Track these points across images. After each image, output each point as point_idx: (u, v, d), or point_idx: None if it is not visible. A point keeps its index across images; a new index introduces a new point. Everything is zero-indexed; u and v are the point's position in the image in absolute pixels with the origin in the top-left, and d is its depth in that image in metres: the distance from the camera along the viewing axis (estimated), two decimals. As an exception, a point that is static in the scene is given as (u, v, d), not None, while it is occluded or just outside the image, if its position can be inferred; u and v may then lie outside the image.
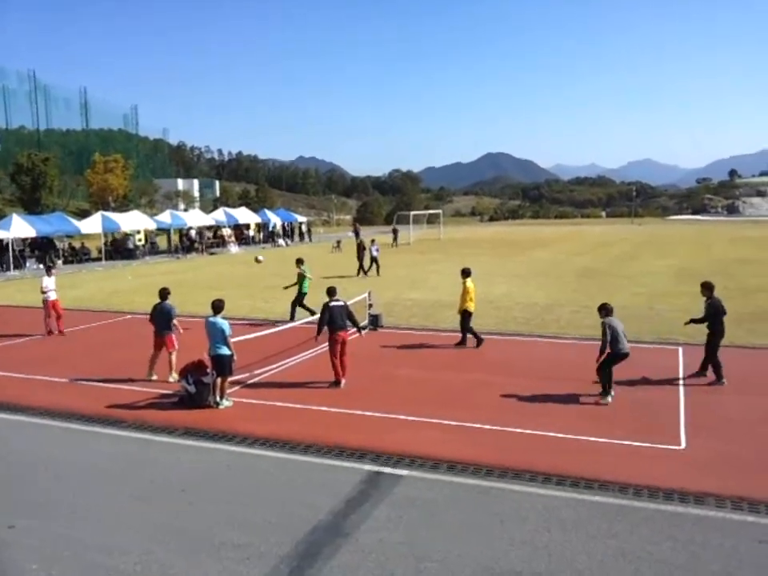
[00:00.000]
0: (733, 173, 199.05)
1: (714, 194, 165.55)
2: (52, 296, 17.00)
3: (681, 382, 11.59)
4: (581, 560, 5.89)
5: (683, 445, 8.64)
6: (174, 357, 12.13)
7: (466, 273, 15.07)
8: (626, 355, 10.36)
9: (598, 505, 7.00)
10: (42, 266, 37.91)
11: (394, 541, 6.29)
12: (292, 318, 17.08)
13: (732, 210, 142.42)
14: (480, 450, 8.55)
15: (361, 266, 29.38)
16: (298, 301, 17.88)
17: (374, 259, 29.57)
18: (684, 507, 6.90)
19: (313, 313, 16.20)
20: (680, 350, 13.95)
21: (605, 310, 10.53)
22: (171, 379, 11.88)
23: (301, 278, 18.07)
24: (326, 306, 11.58)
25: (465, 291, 14.68)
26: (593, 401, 10.45)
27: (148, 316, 12.66)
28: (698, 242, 49.75)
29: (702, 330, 12.06)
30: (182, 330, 12.38)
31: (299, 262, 18.43)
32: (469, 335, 14.68)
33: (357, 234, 57.06)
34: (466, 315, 14.64)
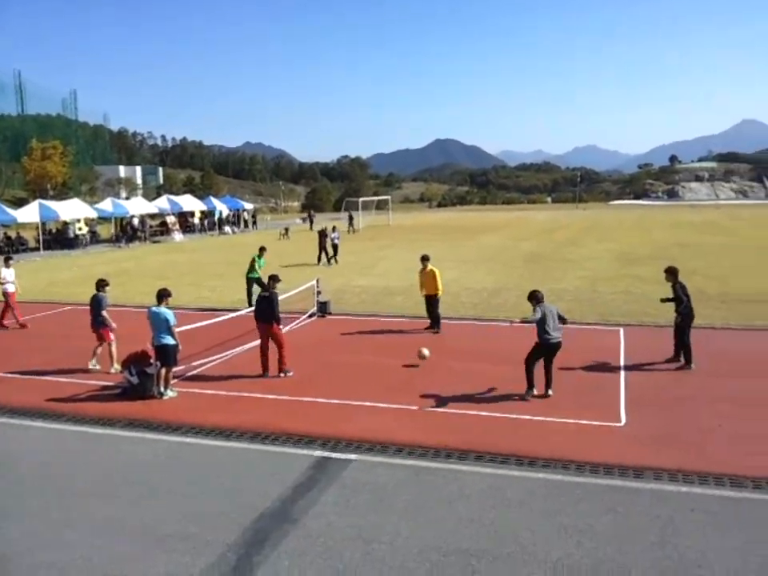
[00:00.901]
0: (673, 158, 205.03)
1: (655, 179, 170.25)
2: (10, 288, 16.41)
3: (622, 361, 11.93)
4: (525, 536, 6.03)
5: (623, 421, 8.91)
6: (113, 348, 11.84)
7: (427, 258, 15.05)
8: (553, 345, 9.78)
9: (542, 482, 7.17)
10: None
11: (343, 524, 6.32)
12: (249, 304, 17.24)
13: (672, 195, 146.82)
14: (428, 432, 8.64)
15: (324, 254, 28.84)
16: (248, 286, 18.17)
17: (334, 247, 29.19)
18: (623, 481, 7.14)
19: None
20: (621, 330, 14.35)
21: (534, 298, 10.02)
22: (113, 370, 11.62)
23: (252, 263, 18.36)
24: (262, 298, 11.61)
25: (433, 277, 14.74)
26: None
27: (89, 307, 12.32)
28: (639, 227, 51.16)
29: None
30: (113, 325, 12.00)
31: (262, 250, 18.81)
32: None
33: (311, 221, 56.61)
34: (436, 300, 14.76)
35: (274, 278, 11.78)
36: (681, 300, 11.31)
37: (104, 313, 11.89)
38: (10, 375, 11.85)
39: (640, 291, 19.18)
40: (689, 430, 8.55)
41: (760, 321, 14.99)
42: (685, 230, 45.83)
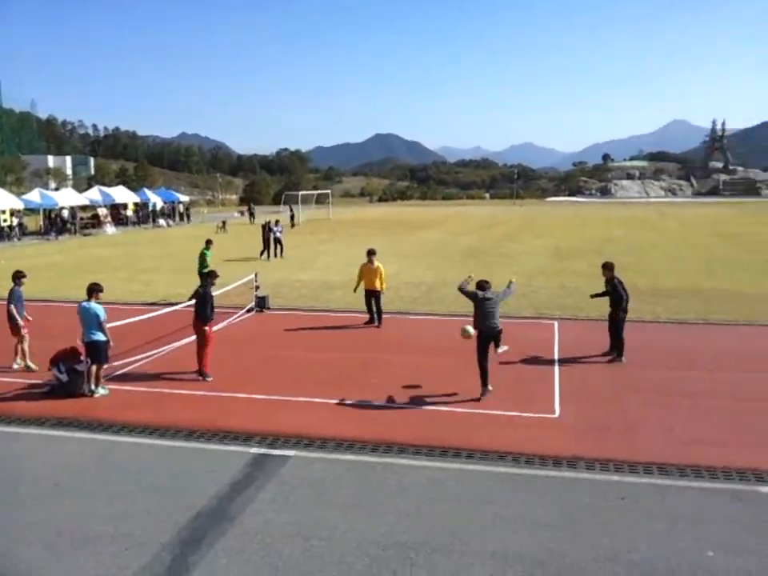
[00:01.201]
0: (606, 157, 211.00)
1: (589, 176, 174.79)
2: None
3: (556, 354, 12.22)
4: (462, 528, 6.11)
5: (557, 413, 9.14)
6: (24, 345, 11.39)
7: (374, 252, 14.95)
8: (490, 331, 9.65)
9: (479, 474, 7.28)
10: None
11: (281, 521, 6.26)
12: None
13: (605, 192, 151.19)
14: (366, 426, 8.65)
15: (266, 248, 28.27)
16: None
17: (277, 240, 28.64)
18: (558, 471, 7.31)
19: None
20: (555, 324, 14.70)
21: (481, 287, 9.91)
22: (15, 366, 11.34)
23: (201, 257, 18.06)
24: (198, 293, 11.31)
25: (381, 272, 14.69)
26: (474, 374, 10.81)
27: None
28: (573, 223, 52.52)
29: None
30: (21, 321, 11.45)
31: (209, 242, 18.48)
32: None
33: (252, 214, 55.67)
34: (380, 295, 14.73)
35: (210, 275, 11.47)
36: (621, 296, 11.62)
37: (12, 307, 11.37)
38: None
39: (574, 285, 19.69)
40: (620, 421, 8.83)
41: (687, 315, 15.61)
42: (617, 226, 47.30)
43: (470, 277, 10.63)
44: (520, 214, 70.31)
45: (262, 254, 28.18)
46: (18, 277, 11.70)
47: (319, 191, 76.51)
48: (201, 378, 10.77)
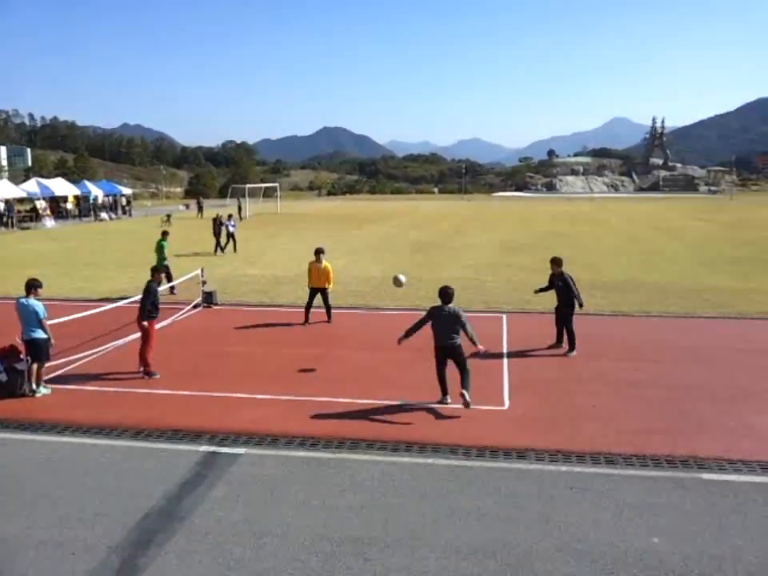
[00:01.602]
0: (551, 153, 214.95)
1: (535, 172, 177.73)
2: None
3: (504, 347, 12.41)
4: (416, 520, 6.15)
5: (506, 405, 9.28)
6: None
7: (322, 251, 14.74)
8: (445, 348, 9.20)
9: (431, 467, 7.34)
10: None
11: (232, 520, 6.18)
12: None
13: (550, 188, 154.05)
14: (318, 423, 8.61)
15: (218, 243, 27.63)
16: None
17: (230, 235, 28.04)
18: (508, 463, 7.43)
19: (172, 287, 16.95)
20: (504, 317, 14.92)
21: (441, 295, 9.41)
22: None
23: (158, 248, 18.05)
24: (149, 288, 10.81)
25: (329, 271, 14.52)
26: (426, 368, 10.89)
27: None
28: (520, 217, 53.40)
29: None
30: None
31: (165, 234, 18.54)
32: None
33: (200, 208, 54.56)
34: (326, 291, 14.59)
35: (156, 271, 11.20)
36: (574, 292, 11.86)
37: None
38: None
39: (520, 279, 20.03)
40: (567, 412, 9.02)
41: (627, 307, 16.06)
42: (562, 221, 48.32)
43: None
44: (468, 208, 71.12)
45: (216, 249, 27.55)
46: None
47: (267, 184, 75.77)
48: (146, 377, 10.51)
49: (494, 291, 18.32)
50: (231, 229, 28.23)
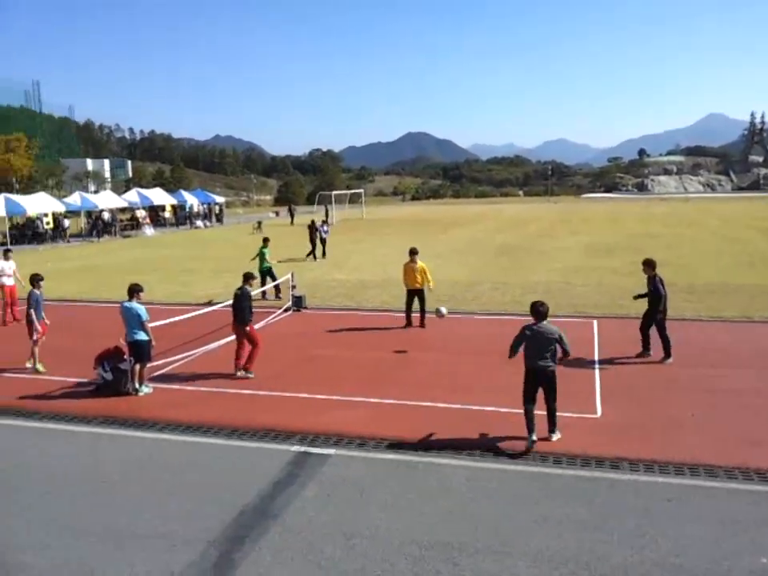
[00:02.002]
0: (642, 152, 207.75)
1: (625, 172, 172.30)
2: (8, 281, 16.09)
3: (596, 353, 12.06)
4: (505, 528, 6.08)
5: (599, 413, 9.02)
6: (34, 347, 11.58)
7: (416, 252, 14.68)
8: (538, 373, 7.95)
9: (521, 473, 7.23)
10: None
11: (323, 520, 6.30)
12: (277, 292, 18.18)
13: (641, 188, 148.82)
14: (405, 426, 8.65)
15: (313, 249, 27.71)
16: (262, 279, 18.43)
17: (322, 241, 28.21)
18: (601, 472, 7.22)
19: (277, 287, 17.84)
20: (594, 322, 14.51)
21: (534, 313, 8.19)
22: (28, 365, 11.61)
23: (260, 255, 18.74)
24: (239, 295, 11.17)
25: (425, 270, 14.44)
26: (512, 373, 10.74)
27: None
28: (609, 219, 51.79)
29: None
30: (39, 325, 11.62)
31: (266, 240, 19.11)
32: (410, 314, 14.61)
33: (292, 215, 55.77)
34: (422, 293, 14.47)
35: (248, 277, 11.55)
36: (660, 295, 11.34)
37: (31, 311, 11.57)
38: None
39: (611, 282, 19.43)
40: (663, 421, 8.67)
41: (727, 312, 15.28)
42: (654, 222, 46.52)
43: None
44: (555, 210, 69.62)
45: (308, 254, 27.70)
46: (36, 280, 11.89)
47: (352, 191, 76.83)
48: (243, 372, 10.92)
49: (584, 295, 17.84)
50: (324, 235, 28.31)
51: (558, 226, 45.01)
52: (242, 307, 10.96)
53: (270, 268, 18.69)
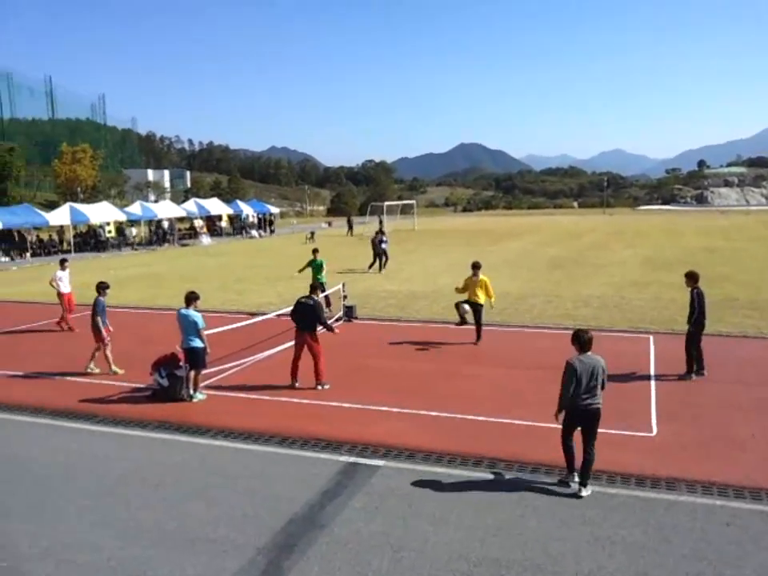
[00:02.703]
0: (701, 163, 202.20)
1: (684, 184, 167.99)
2: (65, 289, 16.68)
3: (652, 369, 11.76)
4: (555, 546, 5.97)
5: (654, 431, 8.78)
6: (107, 351, 12.01)
7: (479, 266, 14.45)
8: (583, 412, 7.13)
9: (572, 492, 7.08)
10: (8, 258, 37.21)
11: (371, 531, 6.31)
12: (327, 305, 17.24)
13: (701, 200, 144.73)
14: (455, 439, 8.59)
15: (379, 260, 27.20)
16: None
17: (382, 253, 27.43)
18: (656, 493, 7.02)
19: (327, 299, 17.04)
20: (651, 338, 14.16)
21: (578, 342, 7.32)
22: (88, 369, 12.02)
23: (312, 266, 18.12)
24: (296, 302, 11.29)
25: (488, 284, 14.23)
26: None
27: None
28: (667, 232, 50.48)
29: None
30: (104, 331, 12.02)
31: (315, 252, 18.52)
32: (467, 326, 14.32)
33: (351, 226, 55.94)
34: (480, 308, 14.24)
35: (316, 287, 11.65)
36: (694, 308, 11.08)
37: (98, 318, 11.95)
38: (42, 376, 12.05)
39: (669, 297, 18.91)
40: (722, 441, 8.39)
41: (794, 330, 14.67)
42: (714, 235, 45.12)
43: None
44: (610, 222, 68.27)
45: (371, 266, 27.29)
46: (101, 287, 12.33)
47: (404, 201, 77.02)
48: (320, 387, 10.87)
49: (640, 310, 17.42)
50: (384, 246, 27.75)
51: (613, 239, 44.12)
52: (314, 317, 10.94)
53: (323, 282, 17.92)
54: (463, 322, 14.16)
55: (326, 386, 10.91)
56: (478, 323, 14.21)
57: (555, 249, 36.87)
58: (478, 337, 14.16)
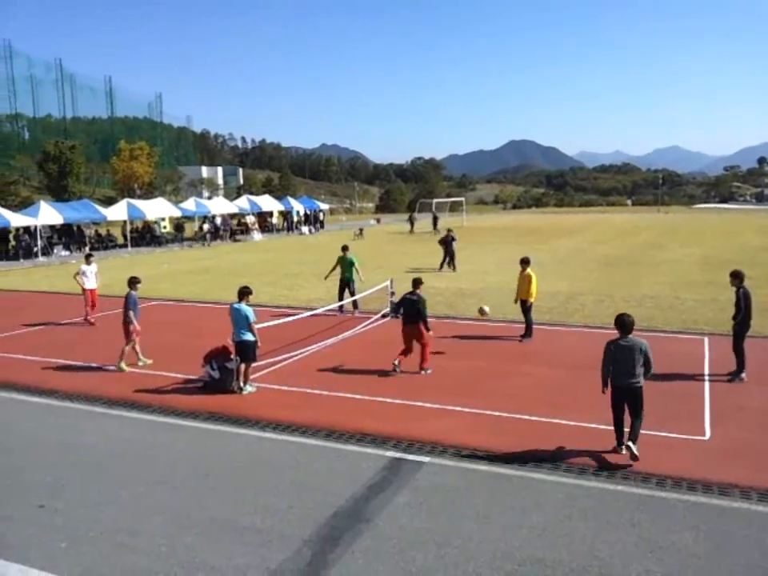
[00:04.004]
0: (762, 160, 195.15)
1: (743, 181, 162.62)
2: (89, 285, 17.01)
3: (706, 371, 11.46)
4: (602, 549, 5.88)
5: (708, 435, 8.55)
6: (136, 346, 12.34)
7: (526, 261, 14.48)
8: (625, 390, 7.81)
9: (620, 494, 6.97)
10: (67, 252, 38.51)
11: (415, 527, 6.33)
12: (340, 305, 17.25)
13: (761, 198, 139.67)
14: (501, 438, 8.55)
15: (452, 260, 26.56)
16: (346, 286, 17.86)
17: (453, 252, 26.66)
18: (708, 498, 6.85)
19: (354, 302, 17.17)
20: (706, 339, 13.78)
21: (619, 326, 7.96)
22: (140, 363, 12.30)
23: (343, 264, 18.02)
24: (402, 297, 12.15)
25: (531, 280, 14.19)
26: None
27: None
28: (724, 231, 48.96)
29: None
30: (137, 325, 12.32)
31: (344, 249, 18.38)
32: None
33: (412, 224, 55.27)
34: (529, 305, 14.24)
35: (418, 282, 12.07)
36: (739, 308, 10.92)
37: (130, 312, 12.24)
38: (99, 366, 12.47)
39: (726, 298, 18.30)
40: (780, 448, 8.11)
41: None
42: (776, 235, 43.51)
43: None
44: (665, 221, 66.58)
45: (450, 266, 26.52)
46: (133, 282, 12.63)
47: (453, 199, 76.71)
48: (423, 372, 11.66)
49: (695, 311, 16.96)
50: (454, 245, 26.81)
51: (668, 238, 43.00)
52: (415, 311, 11.66)
53: (352, 280, 17.93)
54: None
55: (429, 371, 11.67)
56: (526, 321, 14.22)
57: (608, 247, 36.17)
58: (526, 333, 14.14)
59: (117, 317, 17.45)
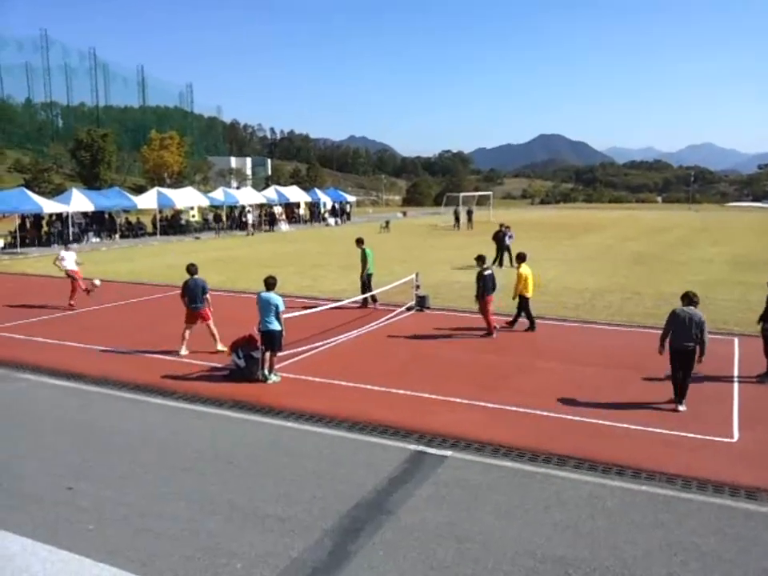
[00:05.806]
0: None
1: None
2: (69, 266, 17.51)
3: (735, 372, 11.27)
4: (625, 548, 5.83)
5: (735, 437, 8.42)
6: (213, 327, 12.48)
7: (521, 258, 14.81)
8: (680, 351, 9.39)
9: (645, 494, 6.90)
10: (98, 239, 39.08)
11: (437, 521, 6.33)
12: (364, 299, 16.95)
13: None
14: (525, 433, 8.51)
15: (501, 256, 25.70)
16: (365, 280, 17.58)
17: (506, 248, 25.88)
18: (734, 501, 6.74)
19: (373, 296, 16.80)
20: (736, 340, 13.55)
21: (686, 298, 9.74)
22: (220, 348, 12.27)
23: (363, 257, 17.70)
24: (479, 275, 13.91)
25: (518, 278, 14.39)
26: (642, 389, 10.29)
27: (180, 292, 12.80)
28: (757, 230, 48.00)
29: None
30: (211, 309, 12.58)
31: (359, 242, 18.08)
32: (521, 319, 14.63)
33: (458, 219, 54.85)
34: (522, 300, 14.46)
35: (482, 258, 14.37)
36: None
37: (208, 295, 12.52)
38: (127, 352, 12.66)
39: (757, 299, 17.95)
40: (810, 452, 7.95)
41: None
42: (811, 235, 42.54)
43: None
44: (696, 219, 65.47)
45: (500, 262, 25.51)
46: (194, 269, 12.72)
47: (480, 193, 76.22)
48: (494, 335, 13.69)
49: (725, 310, 16.68)
50: (508, 241, 26.17)
51: (699, 236, 42.30)
52: (482, 285, 13.83)
53: (371, 273, 17.58)
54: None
55: (494, 335, 13.76)
56: (527, 315, 14.61)
57: (636, 244, 35.69)
58: (530, 326, 14.52)
59: (144, 303, 17.77)
